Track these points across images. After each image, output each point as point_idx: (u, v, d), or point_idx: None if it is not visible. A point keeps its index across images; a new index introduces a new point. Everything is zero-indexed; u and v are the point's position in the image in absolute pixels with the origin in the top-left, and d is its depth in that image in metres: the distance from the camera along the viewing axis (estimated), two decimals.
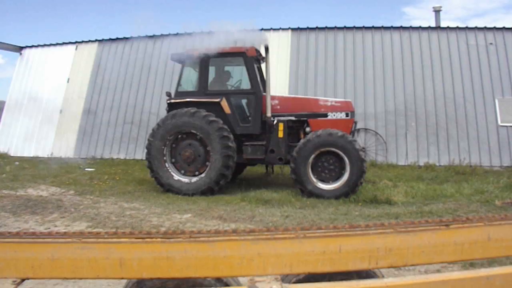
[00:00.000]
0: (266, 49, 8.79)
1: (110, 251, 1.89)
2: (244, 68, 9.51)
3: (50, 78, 16.92)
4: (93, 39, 17.17)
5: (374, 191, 8.62)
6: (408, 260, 2.07)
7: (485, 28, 14.10)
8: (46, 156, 15.81)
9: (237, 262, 1.91)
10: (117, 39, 16.92)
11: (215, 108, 8.87)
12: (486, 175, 10.80)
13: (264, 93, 9.02)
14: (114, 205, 7.63)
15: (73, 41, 17.39)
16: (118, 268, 1.89)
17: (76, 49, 17.25)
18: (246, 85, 9.55)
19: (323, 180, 8.42)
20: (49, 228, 6.01)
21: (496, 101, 13.31)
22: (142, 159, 14.75)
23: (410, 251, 2.05)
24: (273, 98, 9.10)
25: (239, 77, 9.99)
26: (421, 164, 12.88)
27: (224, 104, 8.91)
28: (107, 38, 17.01)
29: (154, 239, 1.89)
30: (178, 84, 9.39)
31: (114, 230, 5.85)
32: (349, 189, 8.18)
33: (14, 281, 1.86)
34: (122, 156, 15.05)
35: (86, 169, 12.89)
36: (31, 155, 15.88)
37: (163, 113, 15.14)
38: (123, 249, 1.89)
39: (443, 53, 14.02)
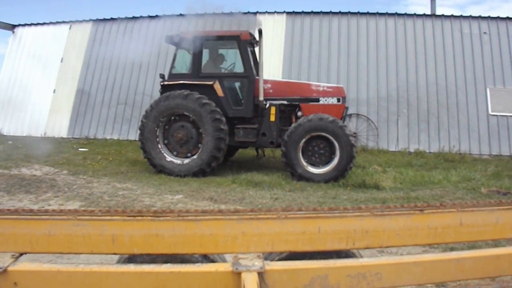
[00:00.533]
0: (260, 32, 8.83)
1: (103, 228, 2.01)
2: (238, 52, 9.58)
3: (43, 57, 16.80)
4: (87, 19, 17.02)
5: (363, 176, 8.76)
6: (383, 242, 2.22)
7: (480, 17, 14.19)
8: (39, 135, 15.84)
9: (222, 240, 2.05)
10: (112, 19, 16.80)
11: (208, 90, 8.94)
12: (475, 163, 11.02)
13: (257, 77, 9.09)
14: (107, 185, 7.74)
15: (67, 20, 17.24)
16: (111, 244, 2.02)
17: (70, 28, 17.12)
18: (239, 68, 9.62)
19: (313, 164, 8.57)
20: (43, 207, 6.10)
21: (488, 90, 13.49)
22: (135, 140, 14.80)
23: (386, 234, 2.19)
24: (265, 82, 9.17)
25: (233, 60, 10.03)
26: (412, 150, 13.08)
27: (217, 87, 8.98)
28: (102, 18, 16.89)
29: (144, 217, 2.02)
30: (172, 66, 9.43)
31: (107, 209, 5.99)
32: (339, 174, 8.35)
33: (13, 255, 1.97)
34: (115, 137, 15.11)
35: (80, 149, 12.95)
36: (24, 135, 15.89)
37: (157, 94, 15.10)
38: (115, 226, 2.01)
39: (437, 41, 14.11)
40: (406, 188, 8.12)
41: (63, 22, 17.25)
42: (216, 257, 2.35)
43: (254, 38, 9.63)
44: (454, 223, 2.28)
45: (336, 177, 8.33)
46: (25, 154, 11.51)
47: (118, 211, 2.07)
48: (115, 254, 2.10)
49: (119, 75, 15.97)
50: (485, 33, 13.92)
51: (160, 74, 9.45)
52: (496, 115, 13.24)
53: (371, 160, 11.57)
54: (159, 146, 8.94)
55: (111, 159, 11.04)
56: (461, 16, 14.36)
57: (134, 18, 16.63)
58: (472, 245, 3.69)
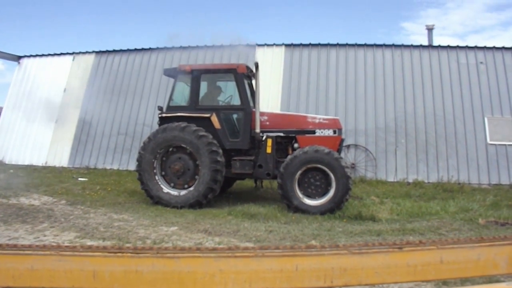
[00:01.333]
0: (256, 66, 9.01)
1: (85, 263, 2.06)
2: (235, 84, 9.77)
3: (47, 87, 17.15)
4: (90, 50, 17.42)
5: (359, 207, 8.77)
6: (362, 280, 2.25)
7: (476, 47, 14.46)
8: (40, 164, 15.96)
9: (200, 277, 2.09)
10: (114, 50, 17.19)
11: (205, 123, 9.07)
12: (473, 193, 11.01)
13: (253, 109, 9.23)
14: (104, 216, 7.77)
15: (71, 51, 17.64)
16: (92, 280, 2.06)
17: (73, 59, 17.52)
18: (236, 100, 9.79)
19: (309, 196, 8.59)
20: (38, 238, 6.14)
21: (486, 119, 13.61)
22: (135, 170, 14.93)
23: (364, 272, 2.23)
24: (262, 114, 9.30)
25: (230, 92, 10.21)
26: (410, 180, 13.09)
27: (214, 119, 9.11)
28: (104, 49, 17.28)
29: (124, 254, 2.07)
30: (170, 98, 9.59)
31: (101, 240, 6.01)
32: (335, 205, 8.35)
33: None
34: (115, 167, 15.21)
35: (79, 179, 13.02)
36: (26, 163, 16.03)
37: (156, 125, 15.44)
38: (96, 262, 2.06)
39: (434, 71, 14.35)
40: (402, 219, 8.10)
41: (67, 53, 17.66)
42: None
43: (251, 71, 9.82)
44: (435, 261, 2.31)
45: (332, 209, 8.33)
46: (25, 183, 11.58)
47: (99, 247, 2.13)
48: None
49: (120, 105, 16.21)
50: (481, 63, 14.15)
51: (158, 107, 9.60)
52: (495, 144, 13.31)
53: (369, 191, 11.57)
54: (156, 177, 9.01)
55: (109, 189, 11.09)
56: (457, 46, 14.63)
57: (135, 50, 17.00)
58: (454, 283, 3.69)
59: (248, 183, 12.21)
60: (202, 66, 10.14)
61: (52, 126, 16.61)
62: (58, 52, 17.78)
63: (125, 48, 17.11)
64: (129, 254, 2.07)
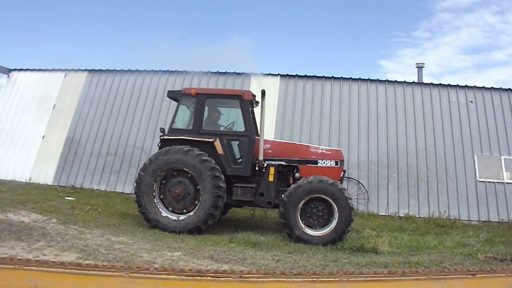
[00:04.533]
0: (263, 94, 9.03)
1: (157, 286, 1.95)
2: (238, 111, 9.77)
3: (35, 103, 16.78)
4: (83, 68, 17.25)
5: (358, 239, 8.72)
6: None
7: (466, 86, 14.95)
8: (24, 180, 15.44)
9: None
10: (107, 70, 17.04)
11: (208, 147, 8.97)
12: (466, 229, 11.12)
13: (257, 137, 9.19)
14: (101, 238, 7.49)
15: (63, 68, 17.41)
16: None
17: (65, 76, 17.27)
18: (239, 127, 9.76)
19: (310, 226, 8.52)
20: (37, 257, 5.84)
21: (475, 157, 13.94)
22: (123, 192, 14.63)
23: None
24: (265, 142, 9.25)
25: (233, 118, 10.18)
26: (401, 214, 13.17)
27: (217, 144, 9.03)
28: (97, 68, 17.13)
29: (203, 277, 1.96)
30: (173, 121, 9.47)
31: (106, 263, 5.76)
32: (337, 236, 8.30)
33: None
34: (102, 188, 14.83)
35: (66, 198, 12.64)
36: (8, 178, 15.49)
37: (147, 147, 15.26)
38: (171, 286, 1.95)
39: (426, 108, 14.72)
40: (404, 252, 8.11)
41: (59, 69, 17.39)
42: None
43: (255, 98, 9.84)
44: (505, 286, 2.32)
45: (334, 240, 8.27)
46: (10, 199, 11.16)
47: (175, 269, 2.02)
48: None
49: (111, 126, 15.96)
50: (471, 101, 14.61)
51: (161, 129, 9.47)
52: (484, 181, 13.61)
53: (362, 223, 11.56)
54: (155, 200, 8.80)
55: (100, 210, 10.77)
56: (448, 85, 15.10)
57: (129, 70, 16.89)
58: None
59: (240, 211, 12.09)
60: (207, 90, 10.13)
61: (38, 142, 16.16)
62: (50, 68, 17.51)
63: (119, 69, 16.97)
64: (209, 278, 1.97)
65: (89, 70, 17.19)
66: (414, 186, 13.73)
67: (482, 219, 13.05)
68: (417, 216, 13.07)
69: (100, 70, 17.10)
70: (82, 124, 16.10)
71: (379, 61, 52.67)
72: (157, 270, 1.92)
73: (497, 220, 12.99)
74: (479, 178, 13.70)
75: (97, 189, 14.74)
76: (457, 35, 48.10)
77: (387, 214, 13.32)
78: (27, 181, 15.44)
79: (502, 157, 13.99)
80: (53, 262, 1.92)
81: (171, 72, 16.66)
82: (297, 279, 1.99)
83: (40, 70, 17.60)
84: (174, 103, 15.23)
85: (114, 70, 17.01)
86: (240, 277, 1.94)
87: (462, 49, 48.80)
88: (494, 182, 13.65)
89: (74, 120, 16.22)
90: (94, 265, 1.92)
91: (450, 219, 12.51)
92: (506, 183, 13.66)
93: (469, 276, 2.28)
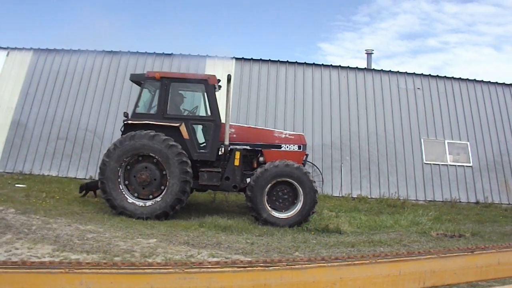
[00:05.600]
0: (229, 79, 9.06)
1: (212, 280, 2.03)
2: (200, 95, 9.75)
3: None
4: (28, 47, 16.25)
5: (320, 220, 9.07)
6: (445, 280, 2.54)
7: (414, 74, 15.78)
8: None
9: (323, 286, 2.18)
10: (54, 50, 16.19)
11: (173, 132, 8.91)
12: (415, 208, 11.89)
13: (222, 121, 9.24)
14: (69, 227, 7.29)
15: (5, 46, 16.31)
16: None
17: (7, 55, 16.18)
18: (204, 111, 9.75)
19: (276, 209, 8.77)
20: (10, 251, 5.62)
21: (422, 140, 14.86)
22: (76, 178, 14.15)
23: (447, 273, 2.52)
24: (230, 126, 9.32)
25: (196, 102, 10.15)
26: (355, 196, 13.82)
27: (183, 129, 8.98)
28: (44, 48, 16.21)
29: (254, 268, 2.08)
30: (136, 105, 9.28)
31: (85, 254, 5.67)
32: (302, 218, 8.63)
33: None
34: (54, 173, 14.24)
35: (17, 185, 12.06)
36: None
37: (100, 130, 14.84)
38: (224, 278, 2.05)
39: (376, 94, 15.41)
40: (365, 232, 8.62)
41: (1, 47, 16.27)
42: None
43: (219, 83, 9.85)
44: (494, 262, 2.68)
45: (300, 221, 8.59)
46: None
47: (227, 262, 2.12)
48: None
49: (60, 109, 15.25)
50: (418, 88, 15.49)
51: (124, 113, 9.26)
52: (430, 164, 14.57)
53: (319, 205, 11.97)
54: (120, 187, 8.65)
55: (57, 197, 10.43)
56: (398, 72, 15.88)
57: (79, 50, 16.14)
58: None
59: (201, 195, 12.11)
60: (172, 74, 9.94)
61: None
62: None
63: (68, 48, 16.18)
64: (259, 268, 2.09)
65: (35, 49, 16.22)
66: (366, 169, 14.41)
67: (428, 199, 14.02)
68: (369, 196, 13.77)
69: (47, 50, 16.19)
70: (28, 107, 15.26)
71: (318, 44, 53.72)
72: (211, 264, 2.01)
73: (441, 200, 13.99)
74: (425, 160, 14.65)
75: (48, 175, 14.13)
76: (395, 21, 50.06)
77: (341, 195, 13.91)
78: None
79: (446, 141, 15.05)
80: (105, 263, 1.95)
81: (123, 53, 16.14)
82: (335, 263, 2.16)
83: None
84: (127, 85, 15.04)
85: (62, 50, 16.17)
86: (287, 265, 2.08)
87: (399, 34, 50.93)
88: (438, 164, 14.66)
89: (19, 102, 15.32)
90: (148, 264, 1.98)
91: (399, 199, 13.31)
92: (450, 165, 14.72)
93: (468, 253, 2.58)
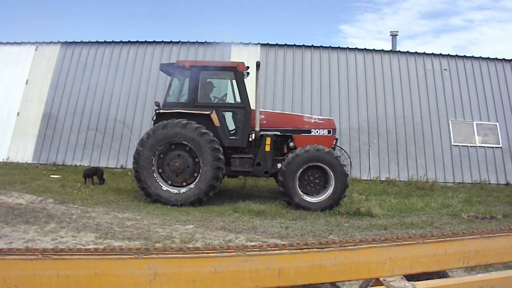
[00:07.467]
0: (258, 66, 9.12)
1: (271, 262, 2.15)
2: (228, 82, 9.86)
3: (6, 78, 16.15)
4: (55, 41, 16.64)
5: (351, 204, 9.17)
6: (488, 260, 2.63)
7: (440, 54, 15.51)
8: (1, 160, 15.05)
9: (374, 266, 2.29)
10: (81, 42, 16.54)
11: (205, 120, 9.07)
12: (444, 191, 11.81)
13: (252, 108, 9.35)
14: (107, 215, 7.58)
15: (33, 41, 16.73)
16: (277, 278, 2.16)
17: (36, 49, 16.62)
18: (231, 98, 9.87)
19: (307, 193, 8.89)
20: (56, 239, 5.91)
21: (450, 122, 14.66)
22: (107, 167, 14.52)
23: (490, 253, 2.61)
24: (260, 113, 9.42)
25: (225, 90, 10.27)
26: (383, 179, 13.79)
27: (214, 116, 9.14)
28: (71, 41, 16.58)
29: (310, 249, 2.21)
30: (167, 94, 9.48)
31: (127, 241, 5.92)
32: (334, 202, 8.73)
33: None
34: (85, 163, 14.66)
35: (52, 176, 12.49)
36: None
37: (129, 120, 15.16)
38: (283, 260, 2.17)
39: (403, 76, 15.23)
40: (396, 215, 8.64)
41: (29, 42, 16.72)
42: (340, 284, 2.57)
43: (247, 70, 9.92)
44: None
45: (331, 205, 8.69)
46: None
47: (285, 244, 2.24)
48: (278, 287, 2.22)
49: (89, 100, 15.63)
50: (445, 69, 15.22)
51: (156, 102, 9.47)
52: (458, 146, 14.40)
53: (349, 188, 12.04)
54: (155, 175, 8.90)
55: (92, 187, 10.76)
56: (424, 53, 15.63)
57: (105, 42, 16.45)
58: None
59: (230, 181, 12.29)
60: (201, 62, 10.08)
61: (13, 119, 15.68)
62: (19, 41, 16.80)
63: (94, 40, 16.50)
64: (315, 249, 2.21)
65: (62, 43, 16.61)
66: (393, 151, 14.34)
67: (457, 181, 13.88)
68: (398, 179, 13.72)
69: (74, 43, 16.56)
70: (58, 99, 15.69)
71: (339, 26, 52.93)
72: (270, 246, 2.14)
73: (471, 182, 13.83)
74: (454, 142, 14.48)
75: (81, 165, 14.55)
76: (416, 0, 48.86)
77: (369, 178, 13.91)
78: (5, 160, 15.02)
79: (474, 122, 14.81)
80: (171, 248, 2.10)
81: (148, 43, 16.36)
82: (385, 244, 2.26)
83: (8, 43, 16.82)
84: (153, 75, 15.28)
85: (88, 42, 16.51)
86: (340, 246, 2.18)
87: (421, 14, 49.73)
88: (467, 146, 14.47)
89: (50, 95, 15.77)
90: (212, 248, 2.12)
91: (428, 181, 13.22)
92: (478, 146, 14.51)
93: (511, 233, 2.64)
